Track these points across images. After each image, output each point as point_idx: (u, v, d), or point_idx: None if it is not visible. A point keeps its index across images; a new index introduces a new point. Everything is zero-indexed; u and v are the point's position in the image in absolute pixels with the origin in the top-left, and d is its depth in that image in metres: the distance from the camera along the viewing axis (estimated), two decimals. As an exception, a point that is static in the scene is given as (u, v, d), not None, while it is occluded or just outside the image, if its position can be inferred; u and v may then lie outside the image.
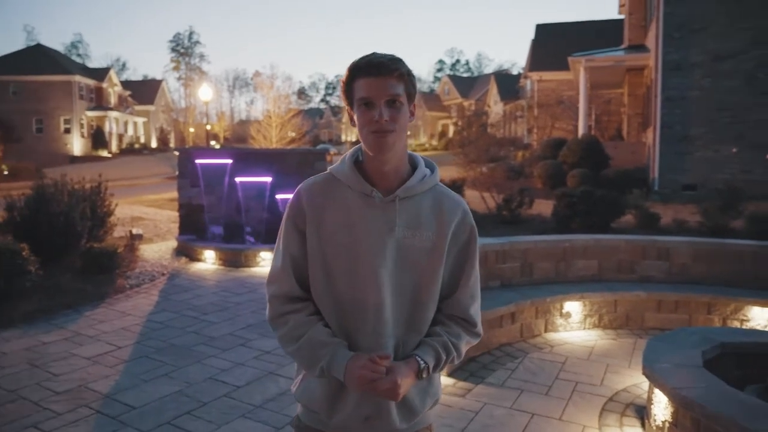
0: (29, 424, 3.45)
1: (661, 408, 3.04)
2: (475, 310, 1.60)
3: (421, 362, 1.48)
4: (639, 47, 18.17)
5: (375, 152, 1.45)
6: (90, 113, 44.16)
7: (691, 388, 2.88)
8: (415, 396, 1.53)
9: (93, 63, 70.42)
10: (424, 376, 1.49)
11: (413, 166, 1.55)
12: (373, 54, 1.44)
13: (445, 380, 4.02)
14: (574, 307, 5.16)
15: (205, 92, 22.63)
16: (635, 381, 3.98)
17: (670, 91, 14.12)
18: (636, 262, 5.60)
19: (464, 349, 1.59)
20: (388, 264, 1.47)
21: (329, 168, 1.56)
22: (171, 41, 75.37)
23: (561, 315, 5.14)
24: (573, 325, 5.16)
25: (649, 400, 3.24)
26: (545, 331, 5.10)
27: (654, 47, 14.75)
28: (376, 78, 1.40)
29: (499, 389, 3.92)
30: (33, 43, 49.32)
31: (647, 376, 3.17)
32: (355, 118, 1.47)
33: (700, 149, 14.03)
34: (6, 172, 27.10)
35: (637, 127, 19.51)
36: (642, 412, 3.48)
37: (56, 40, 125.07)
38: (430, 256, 1.50)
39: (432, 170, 1.57)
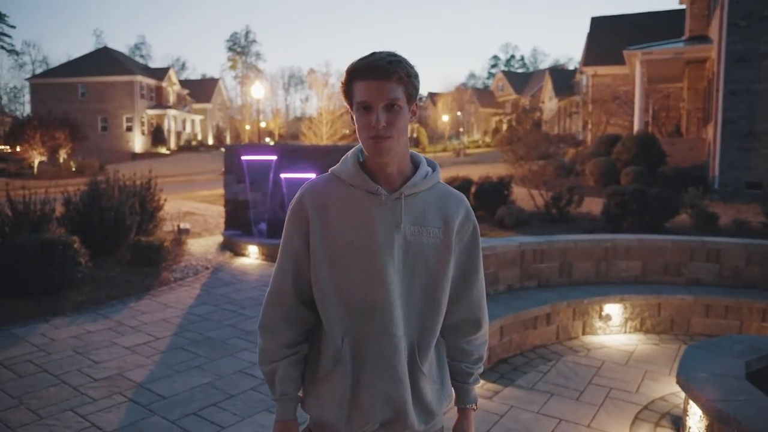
0: (67, 407, 3.60)
1: (696, 420, 2.86)
2: (485, 308, 1.64)
3: (470, 405, 1.63)
4: (701, 38, 17.29)
5: (374, 156, 1.44)
6: (150, 112, 45.97)
7: (728, 400, 2.69)
8: (432, 398, 1.53)
9: (154, 63, 73.38)
10: (476, 408, 1.65)
11: (415, 164, 1.54)
12: (372, 55, 1.41)
13: (472, 381, 3.93)
14: (614, 309, 4.95)
15: (257, 90, 23.13)
16: (674, 389, 3.77)
17: (734, 83, 13.37)
18: (683, 264, 5.32)
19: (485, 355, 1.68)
20: (397, 262, 1.45)
21: (330, 169, 1.54)
22: (228, 40, 77.65)
23: (600, 317, 4.95)
24: (613, 329, 4.96)
25: (685, 411, 3.06)
26: (583, 333, 4.92)
27: (717, 37, 13.99)
28: (374, 82, 1.38)
29: (528, 392, 3.81)
30: (101, 46, 51.77)
31: (681, 386, 2.99)
32: (354, 119, 1.46)
33: (767, 145, 13.22)
34: (74, 169, 28.58)
35: (697, 122, 18.60)
36: (678, 423, 3.30)
37: (121, 43, 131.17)
38: (439, 252, 1.49)
39: (434, 169, 1.56)
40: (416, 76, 1.43)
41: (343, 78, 1.45)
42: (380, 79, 1.37)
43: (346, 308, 1.46)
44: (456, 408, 1.65)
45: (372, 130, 1.39)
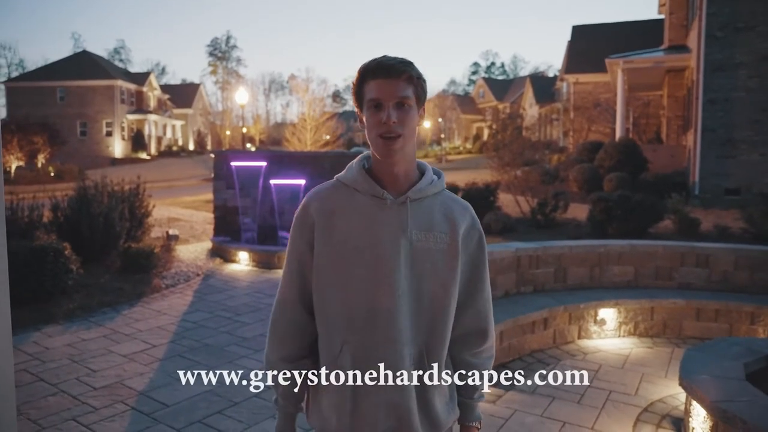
0: (69, 417, 3.56)
1: (699, 421, 2.94)
2: (492, 319, 1.62)
3: (474, 423, 1.61)
4: (680, 47, 17.69)
5: (383, 155, 1.44)
6: (130, 116, 45.41)
7: (732, 401, 2.77)
8: (441, 410, 1.50)
9: (134, 68, 72.65)
10: (480, 426, 1.63)
11: (421, 171, 1.55)
12: (384, 57, 1.44)
13: (475, 386, 3.97)
14: (608, 313, 5.04)
15: (241, 96, 22.97)
16: (672, 391, 3.86)
17: (713, 92, 13.69)
18: (674, 269, 5.44)
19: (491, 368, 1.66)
20: (403, 268, 1.44)
21: (336, 176, 1.54)
22: (209, 45, 77.37)
23: (595, 322, 5.03)
24: (607, 333, 5.05)
25: (687, 412, 3.14)
26: (579, 337, 5.00)
27: (696, 47, 14.34)
28: (386, 80, 1.41)
29: (531, 396, 3.86)
30: (79, 50, 51.01)
31: (684, 388, 3.07)
32: (364, 120, 1.47)
33: (745, 152, 13.55)
34: (52, 174, 28.08)
35: (677, 129, 19.00)
36: (679, 425, 3.37)
37: (100, 46, 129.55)
38: (446, 257, 1.48)
39: (439, 176, 1.57)
40: (425, 80, 1.47)
41: (354, 79, 1.47)
42: (391, 77, 1.40)
43: (349, 316, 1.44)
44: (459, 426, 1.62)
45: (382, 126, 1.40)
